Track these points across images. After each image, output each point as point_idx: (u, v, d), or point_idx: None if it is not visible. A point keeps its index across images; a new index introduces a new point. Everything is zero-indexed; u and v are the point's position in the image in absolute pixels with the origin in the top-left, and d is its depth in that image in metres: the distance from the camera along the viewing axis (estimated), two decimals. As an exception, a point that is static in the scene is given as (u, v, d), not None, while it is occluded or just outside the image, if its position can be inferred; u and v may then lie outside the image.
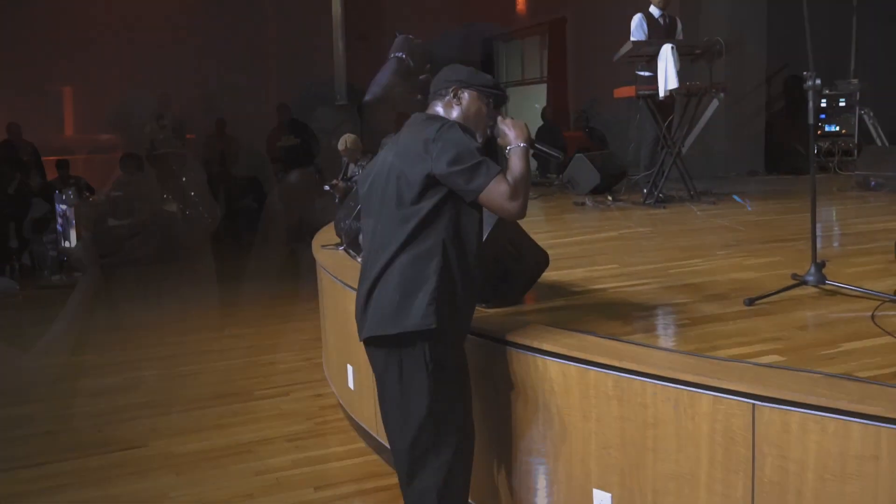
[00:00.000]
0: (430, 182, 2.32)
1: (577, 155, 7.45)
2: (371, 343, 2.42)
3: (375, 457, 3.71)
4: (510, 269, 3.07)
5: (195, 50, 13.05)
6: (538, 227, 5.53)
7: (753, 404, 2.09)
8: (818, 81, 2.98)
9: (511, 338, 2.66)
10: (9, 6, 12.11)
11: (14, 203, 8.93)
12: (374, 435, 3.72)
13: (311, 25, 12.15)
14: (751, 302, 3.00)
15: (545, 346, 2.53)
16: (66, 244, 8.90)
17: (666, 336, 2.84)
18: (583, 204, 6.61)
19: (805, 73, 3.00)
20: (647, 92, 6.21)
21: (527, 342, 2.60)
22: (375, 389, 2.57)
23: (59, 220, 9.04)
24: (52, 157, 10.78)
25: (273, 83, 12.77)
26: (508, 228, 3.07)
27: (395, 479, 3.45)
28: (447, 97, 2.53)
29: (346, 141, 6.46)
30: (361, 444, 3.89)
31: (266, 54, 13.14)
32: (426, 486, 2.41)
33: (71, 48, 12.57)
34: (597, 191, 7.09)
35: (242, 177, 12.88)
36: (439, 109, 2.54)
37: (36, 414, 4.52)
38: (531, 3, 13.34)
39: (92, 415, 4.46)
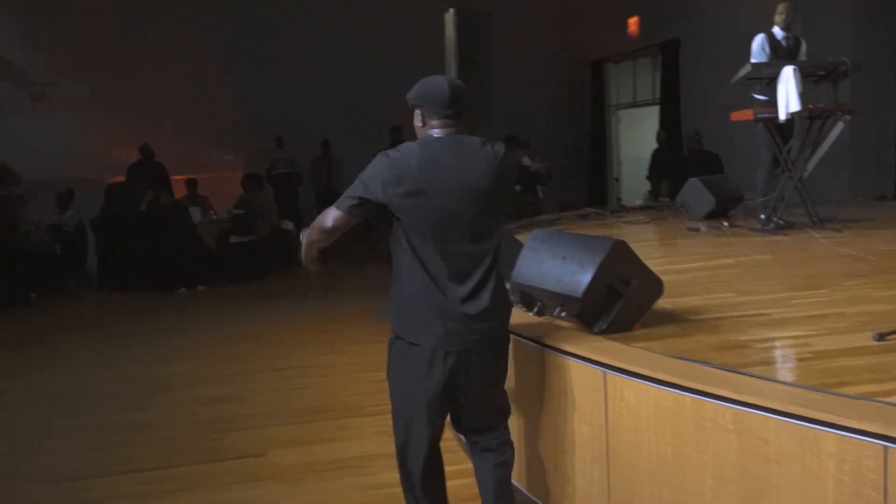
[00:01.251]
0: None
1: (691, 179, 7.27)
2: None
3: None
4: (622, 294, 3.02)
5: (306, 71, 13.55)
6: (650, 252, 5.41)
7: (885, 446, 1.97)
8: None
9: (622, 365, 2.61)
10: (140, 35, 12.94)
11: (146, 219, 9.46)
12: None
13: (422, 47, 12.42)
14: (881, 337, 2.84)
15: (659, 375, 2.47)
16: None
17: (788, 369, 2.72)
18: (697, 229, 6.43)
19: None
20: (765, 115, 6.00)
21: (639, 370, 2.55)
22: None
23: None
24: (180, 177, 11.40)
25: (383, 104, 13.07)
26: (622, 254, 3.03)
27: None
28: None
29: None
30: (469, 465, 3.88)
31: (377, 76, 13.49)
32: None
33: (197, 72, 13.30)
34: (712, 216, 6.89)
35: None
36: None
37: (155, 420, 4.75)
38: (643, 24, 13.17)
39: (207, 423, 4.66)
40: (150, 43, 12.99)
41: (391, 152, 2.59)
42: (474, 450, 2.96)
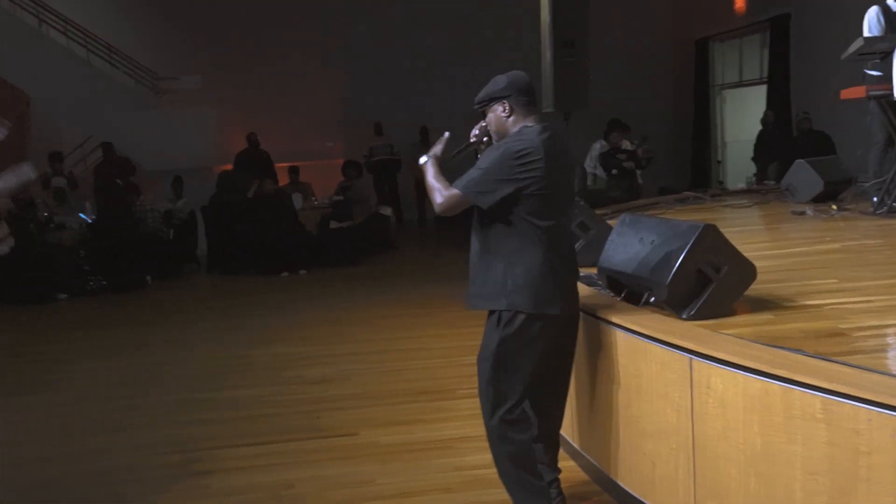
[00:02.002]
0: None
1: (798, 161, 6.97)
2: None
3: (572, 463, 3.72)
4: (712, 280, 2.97)
5: (404, 57, 13.72)
6: (750, 237, 5.26)
7: None
8: None
9: (708, 351, 2.58)
10: (247, 30, 13.42)
11: (252, 206, 9.84)
12: (570, 441, 3.74)
13: (517, 32, 12.38)
14: None
15: (745, 362, 2.43)
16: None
17: (887, 359, 2.61)
18: (802, 213, 6.17)
19: None
20: (879, 92, 5.69)
21: (725, 356, 2.51)
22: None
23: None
24: (284, 164, 11.78)
25: (481, 89, 13.09)
26: (712, 239, 2.98)
27: (592, 486, 3.48)
28: None
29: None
30: (561, 452, 3.89)
31: (473, 61, 13.52)
32: None
33: (299, 64, 13.70)
34: (819, 199, 6.60)
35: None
36: None
37: (261, 397, 4.99)
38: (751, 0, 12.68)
39: (309, 402, 4.86)
40: (255, 37, 13.47)
41: (515, 144, 2.79)
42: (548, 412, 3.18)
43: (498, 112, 2.93)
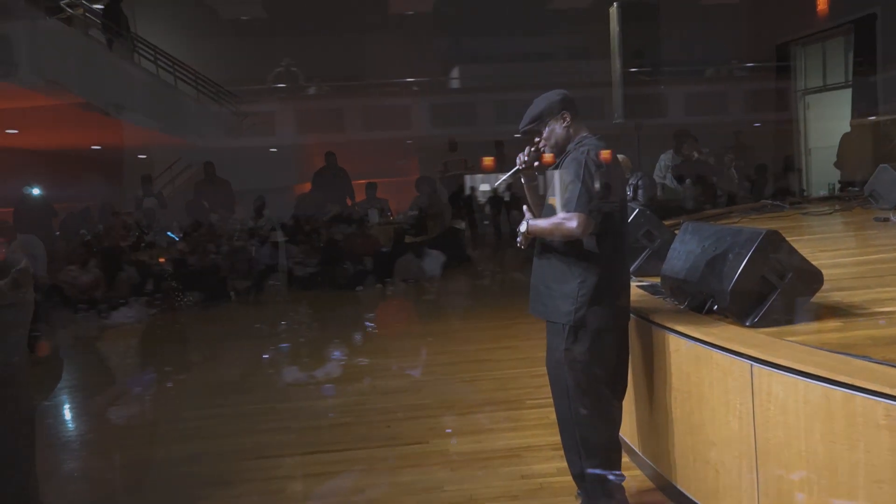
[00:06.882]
0: None
1: (882, 165, 6.75)
2: None
3: (637, 472, 3.71)
4: (776, 287, 2.93)
5: (477, 72, 13.86)
6: (827, 244, 5.13)
7: None
8: None
9: (769, 358, 2.55)
10: (325, 53, 13.80)
11: (329, 223, 10.11)
12: (637, 450, 3.73)
13: (588, 44, 12.36)
14: None
15: (805, 368, 2.40)
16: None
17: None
18: (886, 219, 5.96)
19: None
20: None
21: (786, 363, 2.48)
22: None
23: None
24: (362, 181, 12.05)
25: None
26: (775, 245, 2.94)
27: (657, 495, 3.47)
28: None
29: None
30: (625, 459, 3.89)
31: (547, 74, 13.54)
32: None
33: (375, 84, 14.03)
34: (905, 204, 6.36)
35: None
36: None
37: (337, 407, 5.13)
38: (835, 0, 12.30)
39: (382, 411, 4.97)
40: (333, 58, 13.85)
41: (592, 150, 2.89)
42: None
43: (560, 125, 3.02)
